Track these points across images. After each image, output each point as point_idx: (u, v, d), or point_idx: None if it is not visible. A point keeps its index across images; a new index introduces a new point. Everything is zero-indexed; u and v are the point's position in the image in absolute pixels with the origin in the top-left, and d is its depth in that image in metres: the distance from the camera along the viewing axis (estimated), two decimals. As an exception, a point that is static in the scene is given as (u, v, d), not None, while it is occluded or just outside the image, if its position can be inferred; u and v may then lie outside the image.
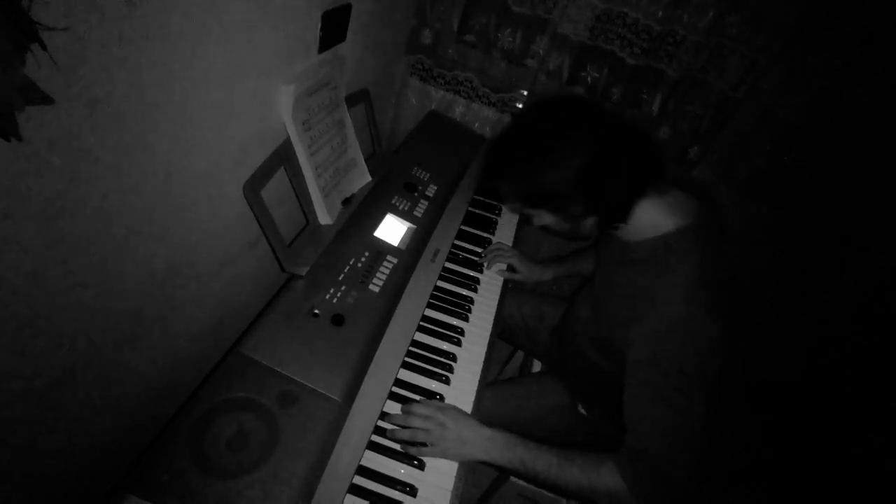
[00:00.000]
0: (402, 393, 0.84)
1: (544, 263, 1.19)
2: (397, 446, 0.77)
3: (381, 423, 0.78)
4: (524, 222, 0.92)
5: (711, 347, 0.68)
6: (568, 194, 0.73)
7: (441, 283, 1.05)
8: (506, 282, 1.13)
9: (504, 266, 1.15)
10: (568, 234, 0.84)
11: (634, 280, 0.77)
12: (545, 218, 0.81)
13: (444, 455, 0.76)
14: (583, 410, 1.00)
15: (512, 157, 0.78)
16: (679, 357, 0.69)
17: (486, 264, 1.13)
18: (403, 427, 0.77)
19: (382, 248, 0.99)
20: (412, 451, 0.76)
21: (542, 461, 0.74)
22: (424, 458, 0.76)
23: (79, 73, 0.45)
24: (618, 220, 0.77)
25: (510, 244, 1.22)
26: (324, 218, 0.95)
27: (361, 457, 0.73)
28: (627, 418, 0.73)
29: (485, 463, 0.78)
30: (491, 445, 0.76)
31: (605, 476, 0.71)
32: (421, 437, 0.76)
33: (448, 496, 0.74)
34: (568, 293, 1.80)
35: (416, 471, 0.75)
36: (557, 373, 1.07)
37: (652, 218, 0.76)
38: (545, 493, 1.02)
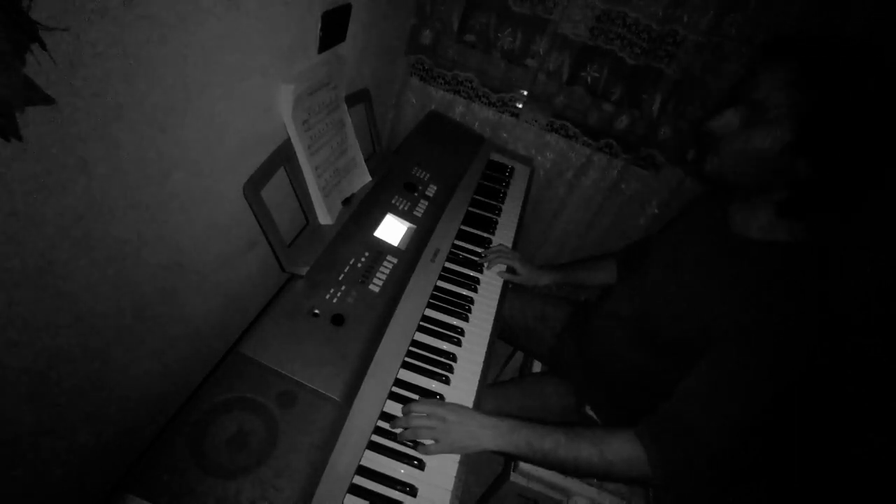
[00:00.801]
0: (402, 393, 0.84)
1: (543, 268, 1.19)
2: (397, 446, 0.77)
3: (381, 424, 0.78)
4: (707, 114, 0.77)
5: (803, 364, 0.65)
6: (848, 144, 0.61)
7: (441, 283, 1.05)
8: (506, 282, 1.13)
9: (504, 267, 1.15)
10: (737, 171, 0.70)
11: (742, 281, 0.71)
12: (766, 138, 0.65)
13: (451, 449, 0.76)
14: (591, 412, 1.00)
15: (863, 78, 0.61)
16: (760, 374, 0.65)
17: (486, 264, 1.13)
18: (405, 428, 0.77)
19: (382, 248, 0.99)
20: (420, 450, 0.76)
21: (550, 439, 0.73)
22: (424, 458, 0.76)
23: (79, 74, 0.45)
24: (798, 214, 0.68)
25: (510, 245, 1.22)
26: (324, 218, 0.95)
27: (361, 457, 0.73)
28: (677, 395, 0.70)
29: (494, 452, 0.77)
30: (496, 432, 0.75)
31: (619, 444, 0.69)
32: (425, 435, 0.75)
33: (448, 496, 0.74)
34: (568, 292, 1.80)
35: (416, 471, 0.75)
36: (563, 374, 1.07)
37: (787, 223, 0.71)
38: (545, 493, 1.02)
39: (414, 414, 0.77)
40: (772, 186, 0.70)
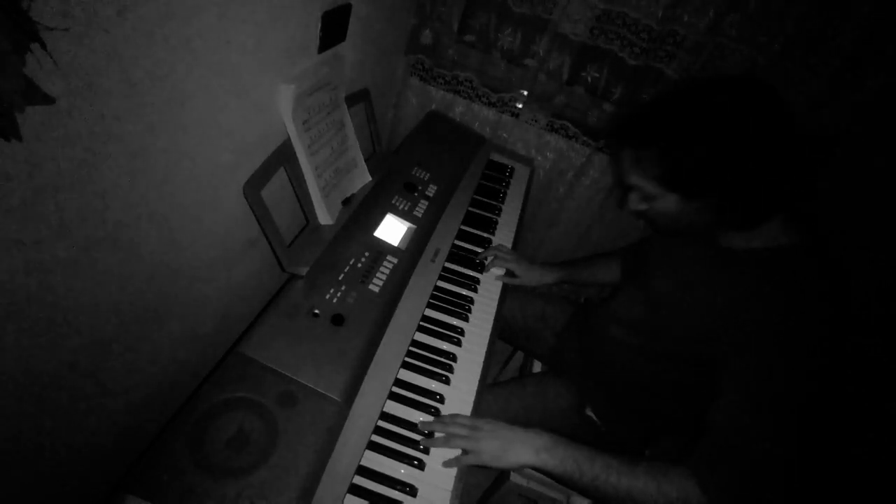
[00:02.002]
0: (402, 393, 0.84)
1: (547, 266, 1.18)
2: (398, 446, 0.77)
3: (382, 424, 0.78)
4: (620, 204, 0.83)
5: (825, 367, 0.64)
6: (722, 182, 0.65)
7: (441, 283, 1.05)
8: (511, 274, 1.13)
9: (502, 271, 1.14)
10: (669, 227, 0.77)
11: (737, 286, 0.72)
12: (667, 203, 0.72)
13: (482, 461, 0.73)
14: (591, 413, 1.00)
15: (679, 123, 0.67)
16: (795, 376, 0.64)
17: (486, 266, 1.13)
18: (441, 435, 0.76)
19: (382, 248, 0.99)
20: (451, 462, 0.75)
21: (601, 462, 0.68)
22: (424, 459, 0.76)
23: (79, 73, 0.45)
24: (750, 226, 0.71)
25: (510, 245, 1.22)
26: (324, 218, 0.95)
27: (362, 457, 0.73)
28: (716, 420, 0.67)
29: (534, 468, 0.73)
30: (538, 445, 0.71)
31: (677, 479, 0.64)
32: (456, 445, 0.74)
33: (448, 496, 0.74)
34: (569, 292, 1.80)
35: (417, 471, 0.75)
36: (564, 374, 1.07)
37: (768, 228, 0.72)
38: (545, 493, 1.02)
39: (456, 423, 0.76)
40: (710, 224, 0.74)
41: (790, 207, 0.71)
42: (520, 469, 0.75)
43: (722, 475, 0.64)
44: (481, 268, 1.13)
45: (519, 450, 0.72)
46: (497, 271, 1.13)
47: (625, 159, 0.74)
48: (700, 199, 0.70)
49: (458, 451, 0.77)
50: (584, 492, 0.72)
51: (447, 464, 0.76)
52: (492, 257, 1.14)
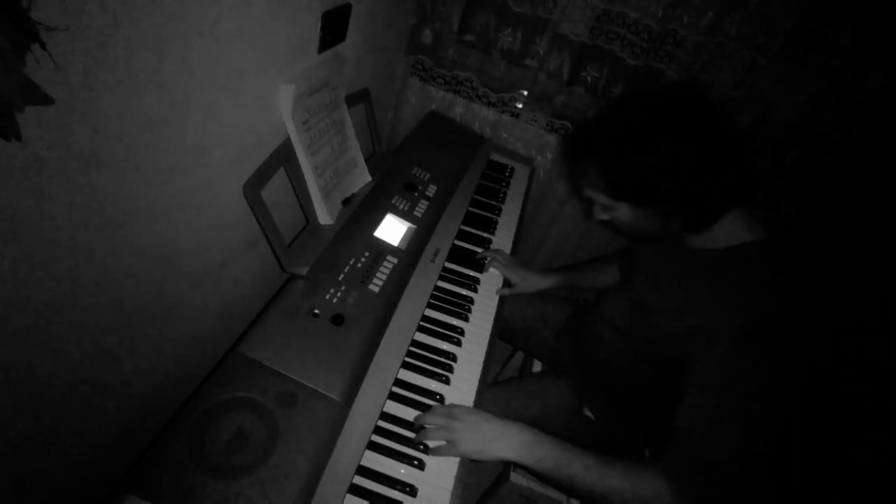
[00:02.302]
0: (402, 393, 0.84)
1: (544, 272, 1.16)
2: (398, 446, 0.77)
3: (381, 424, 0.78)
4: (587, 216, 0.86)
5: (790, 364, 0.65)
6: (666, 188, 0.68)
7: (441, 283, 1.05)
8: (506, 282, 1.13)
9: (500, 278, 1.13)
10: (636, 233, 0.79)
11: (704, 288, 0.73)
12: (621, 212, 0.75)
13: (464, 452, 0.73)
14: (589, 413, 1.00)
15: (615, 134, 0.70)
16: (760, 371, 0.64)
17: (485, 264, 1.13)
18: (420, 428, 0.77)
19: (382, 248, 0.99)
20: (441, 451, 0.75)
21: (579, 462, 0.69)
22: (424, 459, 0.76)
23: (79, 73, 0.45)
24: (707, 225, 0.72)
25: (510, 245, 1.22)
26: (324, 218, 0.95)
27: (361, 457, 0.73)
28: (683, 423, 0.68)
29: (512, 463, 0.74)
30: (518, 441, 0.72)
31: (649, 480, 0.66)
32: (438, 436, 0.75)
33: (448, 496, 0.74)
34: (569, 293, 1.80)
35: (417, 471, 0.75)
36: (563, 374, 1.07)
37: (728, 226, 0.73)
38: (545, 493, 1.02)
39: (438, 415, 0.76)
40: (668, 227, 0.76)
41: (743, 203, 0.72)
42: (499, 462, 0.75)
43: (690, 479, 0.65)
44: (481, 268, 1.13)
45: (498, 445, 0.72)
46: (491, 286, 1.10)
47: (575, 174, 0.78)
48: (649, 206, 0.72)
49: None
50: (560, 485, 0.73)
51: (432, 452, 0.76)
52: (489, 258, 1.13)
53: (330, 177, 0.96)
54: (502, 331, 1.15)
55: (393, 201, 1.10)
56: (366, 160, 1.09)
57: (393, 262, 0.98)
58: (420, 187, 1.18)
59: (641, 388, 0.89)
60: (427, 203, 1.15)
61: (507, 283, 1.13)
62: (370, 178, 1.10)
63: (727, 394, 0.65)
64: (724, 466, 0.64)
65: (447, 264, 1.09)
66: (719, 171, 0.68)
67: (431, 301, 1.00)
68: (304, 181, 0.90)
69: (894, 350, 1.37)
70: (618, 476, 0.67)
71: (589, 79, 1.41)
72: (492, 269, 1.13)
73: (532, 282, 1.13)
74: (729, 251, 0.73)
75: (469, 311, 1.02)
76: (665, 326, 0.78)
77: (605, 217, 0.80)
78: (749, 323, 0.66)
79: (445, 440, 0.75)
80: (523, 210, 1.34)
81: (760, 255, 0.70)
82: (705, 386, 0.67)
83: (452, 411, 0.76)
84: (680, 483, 0.65)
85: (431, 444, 0.77)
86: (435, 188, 1.20)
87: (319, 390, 0.73)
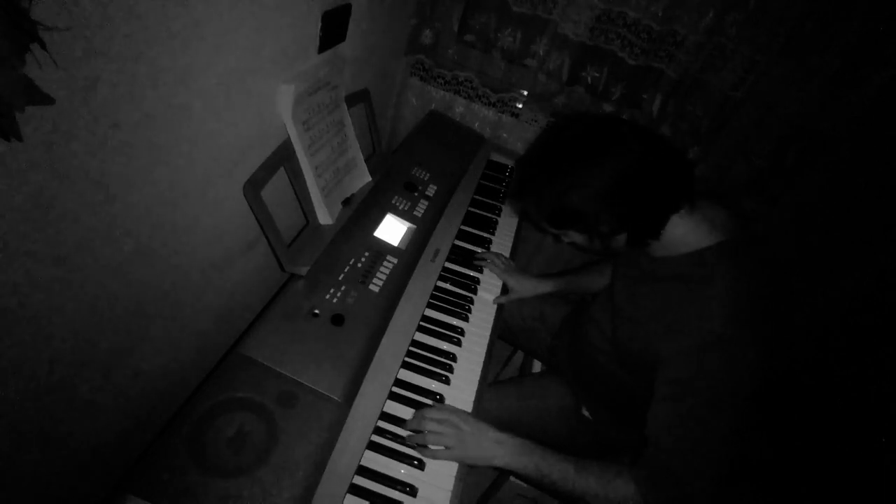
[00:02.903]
0: (402, 393, 0.84)
1: (541, 277, 1.16)
2: (398, 446, 0.77)
3: (381, 424, 0.78)
4: (555, 240, 0.90)
5: (749, 367, 0.66)
6: (594, 213, 0.71)
7: (441, 283, 1.05)
8: (505, 287, 1.13)
9: (499, 284, 1.13)
10: (598, 252, 0.82)
11: (665, 296, 0.75)
12: (574, 237, 0.79)
13: (460, 459, 0.76)
14: (587, 413, 1.00)
15: (534, 178, 0.76)
16: (715, 377, 0.66)
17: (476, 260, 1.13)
18: (418, 431, 0.77)
19: (382, 248, 0.99)
20: (427, 454, 0.76)
21: (559, 470, 0.73)
22: (424, 459, 0.76)
23: (79, 73, 0.45)
24: (649, 237, 0.74)
25: (510, 245, 1.22)
26: (324, 218, 0.95)
27: (361, 457, 0.73)
28: (651, 432, 0.71)
29: (500, 469, 0.77)
30: (507, 450, 0.75)
31: (621, 486, 0.70)
32: (437, 441, 0.75)
33: (448, 496, 0.74)
34: (566, 295, 1.80)
35: (416, 471, 0.75)
36: (561, 374, 1.07)
37: (683, 233, 0.74)
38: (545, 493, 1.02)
39: (428, 419, 0.77)
40: (620, 242, 0.77)
41: (679, 208, 0.73)
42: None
43: (655, 486, 0.69)
44: (481, 268, 1.13)
45: (492, 453, 0.75)
46: (488, 296, 1.10)
47: (524, 213, 0.83)
48: (590, 229, 0.74)
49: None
50: (542, 490, 0.78)
51: (424, 453, 0.76)
52: (487, 261, 1.13)
53: (330, 177, 0.96)
54: (502, 331, 1.15)
55: (393, 201, 1.10)
56: (366, 160, 1.09)
57: (393, 262, 0.98)
58: (420, 187, 1.18)
59: (628, 391, 0.89)
60: (427, 203, 1.15)
61: (505, 288, 1.13)
62: (370, 178, 1.10)
63: (688, 401, 0.68)
64: (687, 473, 0.67)
65: (447, 264, 1.09)
66: (642, 186, 0.70)
67: (431, 301, 1.00)
68: (304, 181, 0.90)
69: (894, 350, 1.37)
70: (593, 483, 0.71)
71: (589, 79, 1.41)
72: (487, 295, 1.13)
73: (529, 287, 1.13)
74: (688, 257, 0.74)
75: (469, 311, 1.02)
76: (636, 333, 0.80)
77: (567, 240, 0.83)
78: (709, 330, 0.67)
79: (444, 445, 0.75)
80: (523, 210, 1.35)
81: (720, 259, 0.71)
82: (668, 394, 0.70)
83: (451, 418, 0.77)
84: (647, 489, 0.69)
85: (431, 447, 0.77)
86: (435, 188, 1.20)
87: (319, 390, 0.73)
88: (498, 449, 0.75)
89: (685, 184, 0.73)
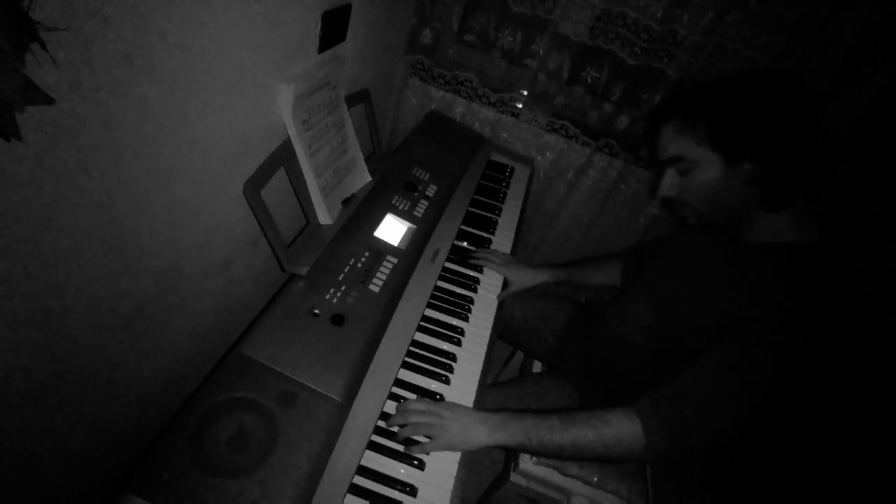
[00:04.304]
0: (402, 393, 0.84)
1: (539, 267, 1.16)
2: (397, 446, 0.77)
3: (381, 424, 0.78)
4: (652, 191, 0.87)
5: (806, 364, 0.67)
6: (765, 140, 0.70)
7: (441, 283, 1.05)
8: (506, 282, 1.13)
9: (501, 283, 1.13)
10: (700, 208, 0.79)
11: (753, 280, 0.74)
12: (708, 173, 0.75)
13: (449, 446, 0.75)
14: None
15: (730, 90, 0.74)
16: (777, 356, 0.67)
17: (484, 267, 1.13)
18: (402, 426, 0.77)
19: (382, 248, 0.99)
20: (415, 449, 0.76)
21: (545, 425, 0.73)
22: (424, 458, 0.76)
23: (79, 74, 0.45)
24: (779, 204, 0.73)
25: (510, 245, 1.22)
26: (324, 218, 0.95)
27: (361, 457, 0.73)
28: (689, 370, 0.71)
29: (495, 447, 0.77)
30: (492, 425, 0.75)
31: (615, 419, 0.69)
32: (421, 431, 0.75)
33: (448, 496, 0.74)
34: (568, 292, 1.80)
35: (417, 471, 0.75)
36: (563, 374, 1.07)
37: (792, 221, 0.74)
38: (545, 493, 1.02)
39: (409, 411, 0.77)
40: (747, 201, 0.76)
41: (812, 196, 0.74)
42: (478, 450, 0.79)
43: (665, 414, 0.67)
44: (481, 267, 1.13)
45: (477, 433, 0.75)
46: (489, 296, 1.09)
47: (668, 131, 0.78)
48: (741, 163, 0.72)
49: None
50: (540, 455, 0.77)
51: (415, 450, 0.76)
52: (482, 260, 1.13)
53: (330, 177, 0.96)
54: (502, 331, 1.15)
55: (393, 201, 1.10)
56: (366, 160, 1.09)
57: (393, 262, 0.98)
58: (420, 187, 1.18)
59: (647, 388, 0.89)
60: (427, 203, 1.15)
61: (507, 282, 1.13)
62: (370, 178, 1.10)
63: (737, 364, 0.67)
64: (707, 407, 0.66)
65: (447, 264, 1.09)
66: (810, 152, 0.70)
67: (431, 301, 1.00)
68: (304, 181, 0.90)
69: (892, 348, 1.37)
70: (581, 426, 0.71)
71: (589, 79, 1.41)
72: (492, 270, 1.13)
73: (527, 277, 1.13)
74: (789, 247, 0.73)
75: (469, 311, 1.02)
76: (704, 321, 0.78)
77: (674, 191, 0.80)
78: (783, 314, 0.67)
79: (428, 435, 0.75)
80: (523, 210, 1.34)
81: (813, 256, 0.71)
82: (720, 353, 0.69)
83: (432, 408, 0.77)
84: (655, 412, 0.68)
85: (439, 452, 0.77)
86: (435, 188, 1.20)
87: (319, 390, 0.73)
88: (482, 427, 0.75)
89: (826, 171, 0.73)
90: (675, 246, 0.93)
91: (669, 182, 0.81)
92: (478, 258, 1.13)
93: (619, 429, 0.69)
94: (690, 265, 0.87)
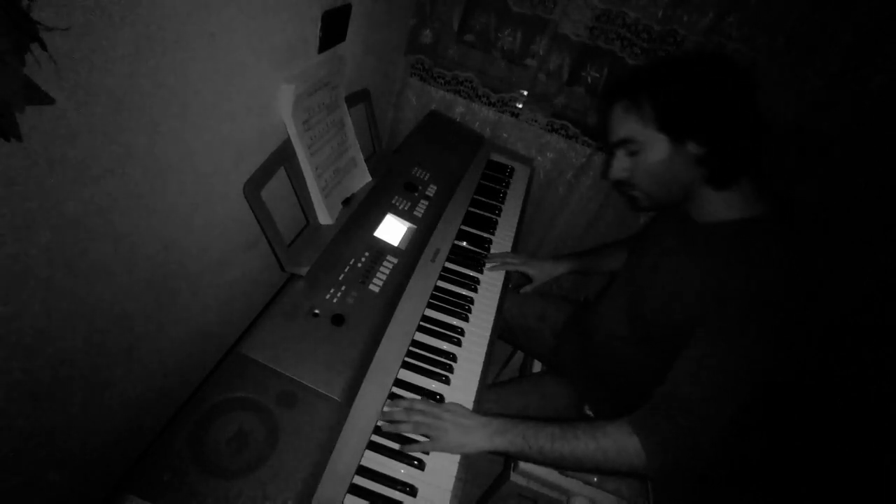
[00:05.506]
0: (402, 393, 0.84)
1: (556, 258, 1.19)
2: (397, 446, 0.77)
3: (382, 424, 0.78)
4: (604, 173, 0.90)
5: (785, 337, 0.67)
6: (708, 119, 0.72)
7: (441, 283, 1.05)
8: (506, 282, 1.13)
9: (501, 281, 1.13)
10: (651, 190, 0.81)
11: (709, 260, 0.75)
12: (655, 153, 0.77)
13: (447, 448, 0.75)
14: (589, 412, 1.00)
15: (672, 71, 0.76)
16: (753, 338, 0.67)
17: (487, 268, 1.13)
18: (402, 422, 0.77)
19: (382, 248, 0.99)
20: (415, 447, 0.76)
21: (545, 434, 0.72)
22: (424, 458, 0.76)
23: (79, 73, 0.45)
24: (725, 181, 0.75)
25: (510, 244, 1.22)
26: (324, 218, 0.95)
27: (361, 457, 0.73)
28: (671, 374, 0.71)
29: (493, 453, 0.76)
30: (492, 430, 0.75)
31: (613, 432, 0.69)
32: (422, 431, 0.75)
33: (448, 496, 0.73)
34: (568, 292, 1.80)
35: (417, 471, 0.75)
36: (563, 374, 1.07)
37: (738, 198, 0.76)
38: (545, 493, 1.02)
39: (413, 410, 0.77)
40: (693, 181, 0.77)
41: (756, 172, 0.76)
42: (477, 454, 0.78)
43: (657, 421, 0.68)
44: (481, 268, 1.13)
45: (476, 437, 0.75)
46: (491, 286, 1.10)
47: (616, 113, 0.80)
48: (686, 143, 0.74)
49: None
50: (539, 462, 0.76)
51: (408, 449, 0.76)
52: (499, 265, 1.13)
53: (330, 177, 0.96)
54: (502, 331, 1.15)
55: (393, 201, 1.10)
56: (366, 160, 1.09)
57: (393, 262, 0.98)
58: (420, 187, 1.18)
59: (642, 381, 0.89)
60: (427, 203, 1.15)
61: (507, 280, 1.13)
62: (370, 178, 1.10)
63: (713, 356, 0.68)
64: (697, 408, 0.66)
65: (447, 264, 1.09)
66: (752, 124, 0.73)
67: (431, 301, 1.00)
68: (304, 181, 0.90)
69: (894, 350, 1.37)
70: (582, 437, 0.70)
71: (589, 79, 1.40)
72: (514, 269, 1.14)
73: (548, 270, 1.16)
74: (738, 223, 0.75)
75: (469, 311, 1.02)
76: (669, 303, 0.79)
77: (625, 174, 0.82)
78: (756, 291, 0.68)
79: (427, 436, 0.75)
80: (523, 210, 1.34)
81: (770, 230, 0.73)
82: (699, 346, 0.70)
83: (434, 410, 0.77)
84: (652, 440, 0.67)
85: (440, 452, 0.77)
86: (435, 188, 1.20)
87: (319, 390, 0.73)
88: (482, 431, 0.75)
89: (766, 147, 0.75)
90: (646, 234, 0.96)
91: (620, 164, 0.82)
92: (494, 262, 1.13)
93: (619, 441, 0.69)
94: (653, 253, 0.88)
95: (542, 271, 1.15)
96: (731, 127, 0.72)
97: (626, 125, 0.79)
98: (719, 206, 0.77)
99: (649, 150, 0.77)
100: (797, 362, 0.70)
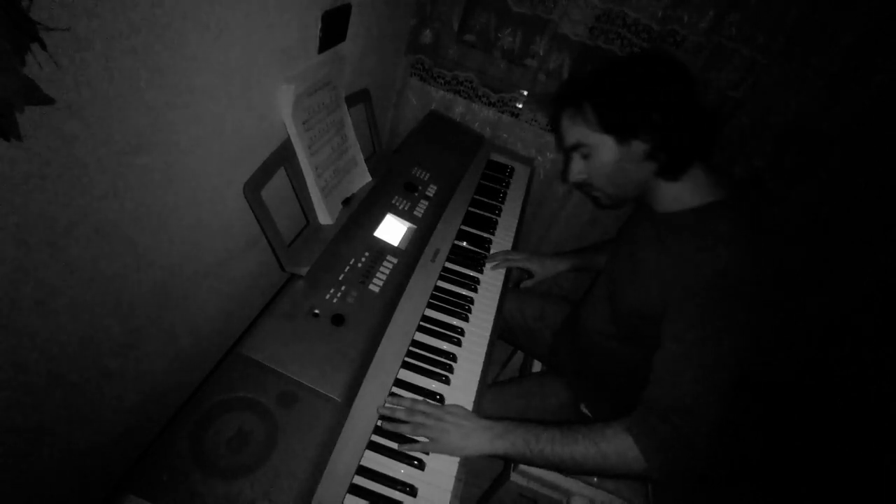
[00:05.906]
0: (402, 393, 0.84)
1: (558, 255, 1.20)
2: (397, 446, 0.77)
3: (382, 424, 0.78)
4: (563, 177, 0.92)
5: (752, 306, 0.68)
6: (650, 117, 0.74)
7: (441, 283, 1.05)
8: (506, 282, 1.13)
9: (502, 279, 1.13)
10: (608, 190, 0.84)
11: (675, 250, 0.77)
12: (604, 154, 0.79)
13: (447, 450, 0.76)
14: (586, 410, 1.00)
15: (609, 77, 0.78)
16: (720, 315, 0.68)
17: (489, 266, 1.13)
18: (404, 422, 0.77)
19: (382, 248, 0.99)
20: (415, 447, 0.76)
21: (546, 436, 0.73)
22: (424, 459, 0.76)
23: (79, 74, 0.45)
24: (675, 171, 0.77)
25: (510, 244, 1.22)
26: (324, 218, 0.95)
27: (361, 457, 0.73)
28: (653, 375, 0.72)
29: (492, 456, 0.76)
30: (492, 434, 0.75)
31: (612, 437, 0.70)
32: (422, 432, 0.75)
33: (448, 496, 0.74)
34: (568, 292, 1.80)
35: (416, 471, 0.75)
36: (561, 373, 1.07)
37: (692, 188, 0.78)
38: (545, 493, 1.02)
39: (416, 411, 0.77)
40: (646, 175, 0.80)
41: (706, 159, 0.79)
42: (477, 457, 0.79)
43: (652, 425, 0.68)
44: (481, 268, 1.13)
45: (477, 439, 0.75)
46: (491, 286, 1.10)
47: (565, 120, 0.83)
48: (631, 141, 0.77)
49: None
50: (539, 465, 0.76)
51: (406, 448, 0.76)
52: (501, 262, 1.13)
53: (330, 177, 0.96)
54: (502, 331, 1.15)
55: (393, 201, 1.10)
56: (366, 160, 1.09)
57: (393, 262, 0.98)
58: (420, 187, 1.18)
59: (632, 378, 0.89)
60: (427, 203, 1.15)
61: (507, 280, 1.13)
62: (370, 178, 1.10)
63: (692, 339, 0.69)
64: (690, 425, 0.67)
65: (447, 264, 1.09)
66: (693, 115, 0.75)
67: (431, 301, 1.00)
68: (304, 181, 0.90)
69: (894, 350, 1.37)
70: (582, 441, 0.71)
71: (589, 79, 1.40)
72: (490, 269, 1.14)
73: (551, 266, 1.18)
74: (697, 210, 0.77)
75: (469, 311, 1.02)
76: (639, 294, 0.81)
77: (582, 176, 0.85)
78: (715, 269, 0.69)
79: (428, 437, 0.75)
80: (523, 210, 1.34)
81: (726, 213, 0.74)
82: (672, 336, 0.71)
83: (437, 412, 0.77)
84: (648, 442, 0.68)
85: (418, 439, 0.77)
86: (435, 188, 1.20)
87: (319, 390, 0.73)
88: (483, 434, 0.75)
89: (712, 136, 0.77)
90: (622, 230, 0.98)
91: (576, 167, 0.85)
92: (496, 260, 1.13)
93: (619, 445, 0.69)
94: (626, 248, 0.91)
95: (544, 267, 1.16)
96: (672, 121, 0.74)
97: (575, 131, 0.82)
98: (676, 196, 0.79)
99: (600, 152, 0.80)
100: (769, 341, 0.71)
